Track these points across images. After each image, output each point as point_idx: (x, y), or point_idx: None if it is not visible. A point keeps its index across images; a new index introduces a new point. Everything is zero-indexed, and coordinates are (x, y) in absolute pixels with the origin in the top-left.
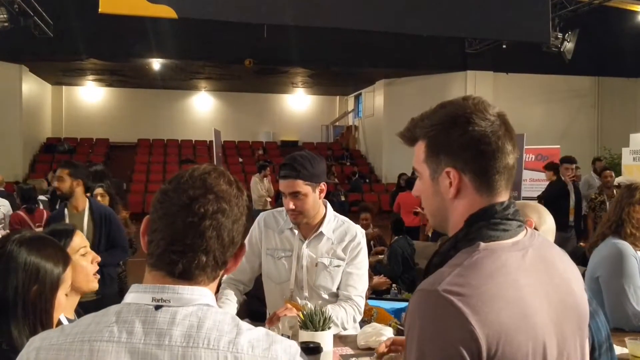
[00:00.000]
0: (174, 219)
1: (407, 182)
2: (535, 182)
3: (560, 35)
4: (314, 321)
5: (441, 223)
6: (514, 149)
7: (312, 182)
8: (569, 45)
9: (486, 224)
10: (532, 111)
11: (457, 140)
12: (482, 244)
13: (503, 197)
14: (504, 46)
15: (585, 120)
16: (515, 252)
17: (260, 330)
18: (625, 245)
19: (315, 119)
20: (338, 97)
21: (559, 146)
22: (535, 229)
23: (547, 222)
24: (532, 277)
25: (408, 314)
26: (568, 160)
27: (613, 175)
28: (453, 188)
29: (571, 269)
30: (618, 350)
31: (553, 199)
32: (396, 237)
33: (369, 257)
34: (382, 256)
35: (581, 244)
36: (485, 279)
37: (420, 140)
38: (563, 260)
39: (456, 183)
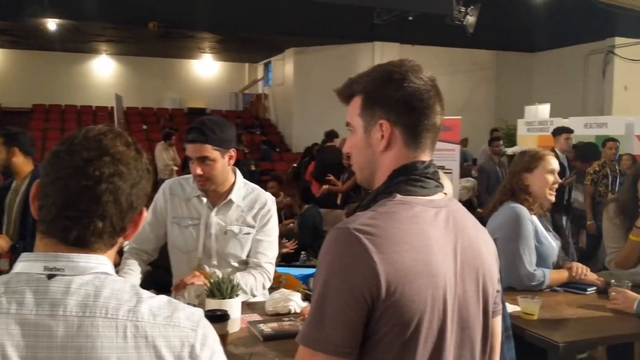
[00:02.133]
0: (66, 182)
1: (319, 152)
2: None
3: (463, 9)
4: (222, 289)
5: (369, 177)
6: (442, 112)
7: (222, 147)
8: (471, 19)
9: (406, 179)
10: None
11: (393, 94)
12: (399, 196)
13: (427, 156)
14: (410, 18)
15: (485, 93)
16: (430, 209)
17: (162, 298)
18: (522, 209)
19: (224, 86)
20: (247, 64)
21: (460, 117)
22: None
23: (446, 188)
24: (441, 233)
25: (320, 250)
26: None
27: (615, 146)
28: (384, 140)
29: (484, 238)
30: (510, 308)
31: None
32: (306, 206)
33: (279, 227)
34: (292, 225)
35: (479, 210)
36: (395, 223)
37: (357, 95)
38: (476, 227)
39: (388, 135)
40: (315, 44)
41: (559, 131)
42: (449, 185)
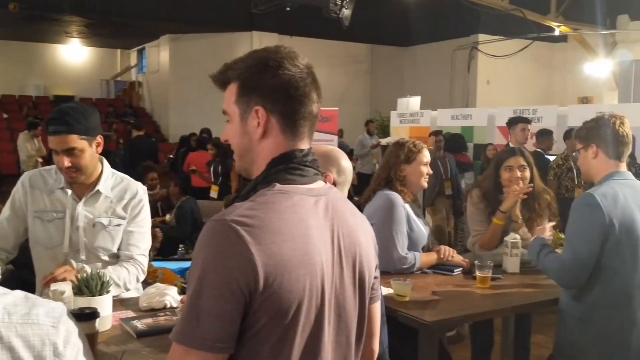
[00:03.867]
0: None
1: (198, 142)
2: (317, 141)
3: (339, 2)
4: (91, 286)
5: (248, 166)
6: (318, 100)
7: (88, 135)
8: (346, 12)
9: (284, 167)
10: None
11: (268, 81)
12: (278, 185)
13: (305, 144)
14: (288, 9)
15: (361, 85)
16: (309, 197)
17: (17, 294)
18: (396, 196)
19: (94, 73)
20: (119, 50)
21: (337, 108)
22: (334, 183)
23: (345, 174)
24: (320, 222)
25: (196, 243)
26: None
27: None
28: (261, 127)
29: (362, 225)
30: (384, 290)
31: None
32: (184, 198)
33: (157, 219)
34: (169, 217)
35: (356, 198)
36: (273, 214)
37: (233, 82)
38: (355, 215)
39: (264, 122)
40: (192, 31)
41: (513, 122)
42: (350, 173)
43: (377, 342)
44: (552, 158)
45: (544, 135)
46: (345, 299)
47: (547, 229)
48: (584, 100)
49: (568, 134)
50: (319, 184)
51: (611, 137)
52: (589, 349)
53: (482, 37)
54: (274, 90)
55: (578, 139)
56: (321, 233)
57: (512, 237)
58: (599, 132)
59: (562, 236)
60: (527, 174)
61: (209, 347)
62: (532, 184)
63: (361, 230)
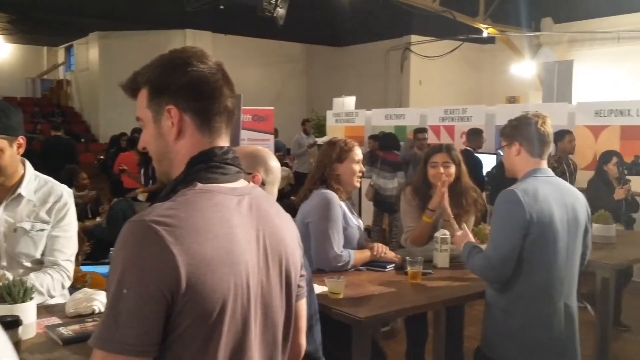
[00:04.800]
0: None
1: (129, 142)
2: (253, 141)
3: (273, 1)
4: (13, 293)
5: (167, 170)
6: (232, 94)
7: (8, 135)
8: (281, 11)
9: (205, 166)
10: (249, 73)
11: (178, 80)
12: (199, 185)
13: (224, 141)
14: (222, 7)
15: (297, 84)
16: (232, 196)
17: None
18: (332, 195)
19: (19, 71)
20: (46, 47)
21: (273, 107)
22: (262, 183)
23: (274, 173)
24: (244, 220)
25: (115, 245)
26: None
27: None
28: (175, 127)
29: (286, 224)
30: (319, 289)
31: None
32: (116, 199)
33: (87, 221)
34: (99, 219)
35: (292, 198)
36: (195, 213)
37: (143, 87)
38: (279, 214)
39: (177, 122)
40: (123, 29)
41: (561, 134)
42: (278, 172)
43: (304, 337)
44: (482, 156)
45: (474, 134)
46: (271, 298)
47: (468, 234)
48: (511, 99)
49: (560, 136)
50: (241, 183)
51: (533, 136)
52: (514, 339)
53: (414, 38)
54: (185, 87)
55: (503, 136)
56: (245, 232)
57: (442, 233)
58: (522, 131)
59: (487, 230)
60: (452, 170)
61: (129, 351)
62: (458, 179)
63: (286, 229)
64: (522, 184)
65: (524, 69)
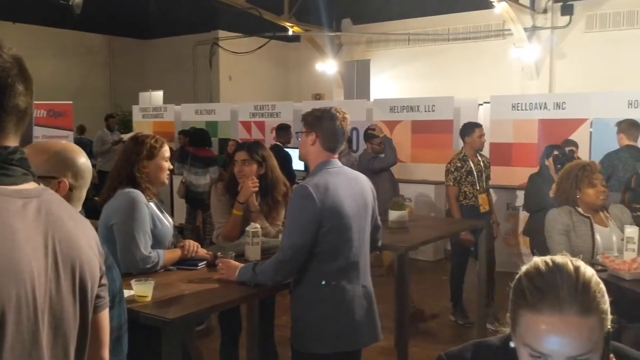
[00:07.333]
0: None
1: None
2: (49, 138)
3: None
4: None
5: None
6: (27, 93)
7: None
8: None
9: None
10: (43, 65)
11: None
12: None
13: (11, 141)
14: None
15: (98, 78)
16: (16, 199)
17: None
18: (137, 194)
19: None
20: None
21: (71, 102)
22: (70, 189)
23: (84, 176)
24: (30, 225)
25: None
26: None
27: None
28: None
29: (82, 230)
30: (127, 293)
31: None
32: None
33: None
34: None
35: (95, 198)
36: None
37: None
38: (74, 219)
39: None
40: None
41: (470, 128)
42: (89, 176)
43: (107, 350)
44: (290, 151)
45: (283, 130)
46: (62, 310)
47: (231, 262)
48: (317, 96)
49: (470, 130)
50: (29, 185)
51: (332, 132)
52: (321, 326)
53: (222, 33)
54: None
55: (304, 122)
56: (31, 238)
57: (253, 227)
58: (323, 124)
59: None
60: (252, 168)
61: None
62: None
63: (82, 235)
64: (314, 179)
65: (328, 67)
